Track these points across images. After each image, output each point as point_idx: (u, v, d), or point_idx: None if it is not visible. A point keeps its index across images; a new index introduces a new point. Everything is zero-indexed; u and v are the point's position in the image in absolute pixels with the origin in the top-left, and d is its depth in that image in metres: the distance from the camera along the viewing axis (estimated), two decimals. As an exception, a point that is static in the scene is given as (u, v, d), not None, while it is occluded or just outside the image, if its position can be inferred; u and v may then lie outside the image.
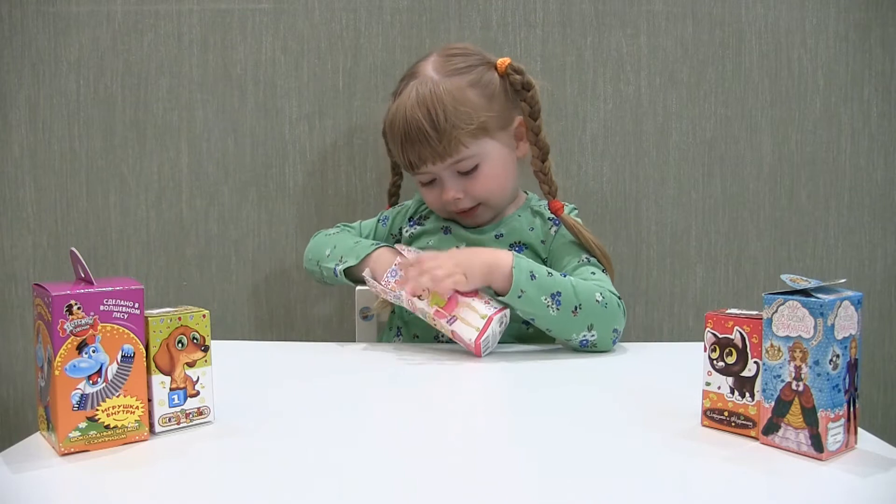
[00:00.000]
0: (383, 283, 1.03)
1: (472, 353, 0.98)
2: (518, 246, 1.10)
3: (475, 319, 0.98)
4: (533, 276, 0.98)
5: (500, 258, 0.99)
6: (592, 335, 1.00)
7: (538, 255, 1.11)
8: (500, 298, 0.99)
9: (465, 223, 1.14)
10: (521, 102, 1.10)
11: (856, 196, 1.35)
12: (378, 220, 1.22)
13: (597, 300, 0.99)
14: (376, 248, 1.08)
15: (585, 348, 1.01)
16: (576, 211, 1.17)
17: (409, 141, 1.06)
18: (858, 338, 0.63)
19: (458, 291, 0.99)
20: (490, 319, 0.97)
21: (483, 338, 0.96)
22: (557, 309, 0.98)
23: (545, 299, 0.98)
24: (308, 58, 1.32)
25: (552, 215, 1.13)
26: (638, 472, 0.61)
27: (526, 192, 1.20)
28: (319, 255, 1.13)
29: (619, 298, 1.02)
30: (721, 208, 1.34)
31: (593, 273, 1.06)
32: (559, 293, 0.98)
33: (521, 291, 0.97)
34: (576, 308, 0.98)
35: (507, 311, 1.00)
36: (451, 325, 0.98)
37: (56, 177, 1.33)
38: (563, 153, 1.33)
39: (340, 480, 0.60)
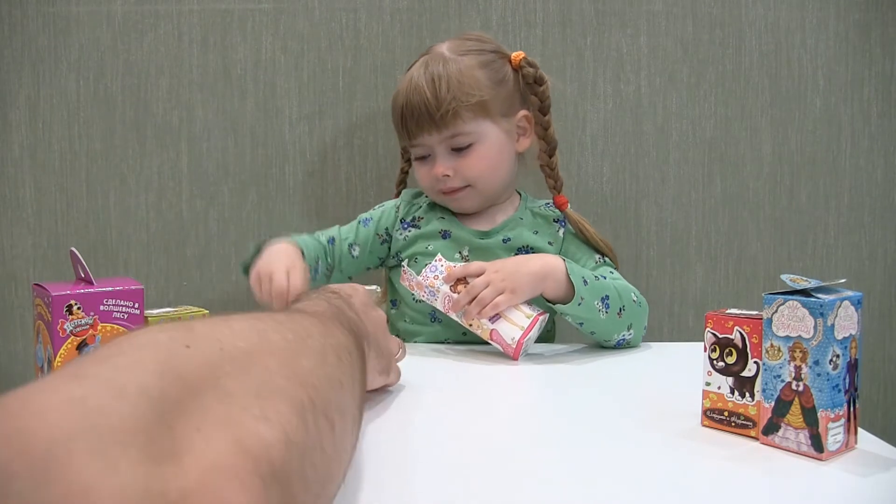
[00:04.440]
0: (421, 278, 1.00)
1: (508, 354, 0.96)
2: (524, 250, 1.10)
3: (520, 318, 0.96)
4: (585, 282, 0.98)
5: (552, 266, 0.98)
6: (630, 334, 1.02)
7: None
8: (557, 306, 0.98)
9: (452, 207, 1.13)
10: (531, 96, 1.11)
11: (856, 196, 1.35)
12: (358, 222, 1.17)
13: (633, 300, 1.02)
14: (274, 243, 1.05)
15: (619, 346, 1.03)
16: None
17: (409, 109, 1.07)
18: (858, 338, 0.63)
19: None
20: (536, 319, 0.96)
21: (527, 337, 0.95)
22: (606, 312, 0.99)
23: (597, 304, 0.98)
24: (308, 58, 1.32)
25: (556, 216, 1.13)
26: (638, 472, 0.61)
27: (520, 193, 1.19)
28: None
29: (642, 295, 1.05)
30: (721, 208, 1.34)
31: (611, 272, 1.08)
32: (607, 296, 0.99)
33: (581, 299, 0.97)
34: (620, 310, 1.00)
35: (547, 316, 1.00)
36: (493, 322, 0.96)
37: (56, 177, 1.33)
38: (564, 153, 1.32)
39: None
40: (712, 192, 1.34)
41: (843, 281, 0.65)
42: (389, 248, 1.16)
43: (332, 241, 1.14)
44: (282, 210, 1.34)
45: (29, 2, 1.30)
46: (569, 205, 1.13)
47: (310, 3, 1.31)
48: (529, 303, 0.99)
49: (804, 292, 0.62)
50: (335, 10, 1.31)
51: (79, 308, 0.64)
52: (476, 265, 0.99)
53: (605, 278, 1.03)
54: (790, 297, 0.62)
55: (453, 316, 0.99)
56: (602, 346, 1.04)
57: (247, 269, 1.07)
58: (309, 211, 1.34)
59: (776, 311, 0.63)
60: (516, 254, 1.09)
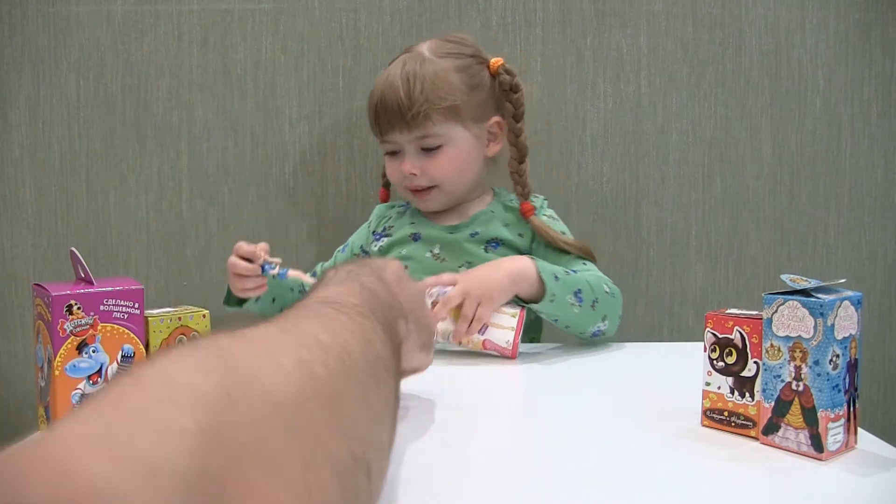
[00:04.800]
0: None
1: (505, 356, 0.96)
2: (494, 243, 1.10)
3: (506, 320, 0.96)
4: (557, 278, 0.98)
5: (522, 267, 0.98)
6: (605, 325, 1.02)
7: (517, 250, 1.10)
8: (531, 305, 0.98)
9: (419, 206, 1.15)
10: (506, 103, 1.12)
11: (856, 196, 1.35)
12: (336, 252, 1.21)
13: (606, 291, 1.02)
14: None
15: (595, 337, 1.03)
16: (546, 202, 1.17)
17: (382, 106, 1.08)
18: (858, 338, 0.63)
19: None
20: (521, 317, 0.97)
21: (519, 336, 0.96)
22: (580, 306, 0.99)
23: (570, 298, 0.98)
24: (308, 58, 1.32)
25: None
26: (638, 472, 0.61)
27: (494, 190, 1.20)
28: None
29: (615, 285, 1.05)
30: (721, 208, 1.34)
31: (584, 264, 1.08)
32: (580, 290, 0.99)
33: (553, 295, 0.97)
34: (594, 302, 1.00)
35: (526, 311, 1.00)
36: (483, 334, 0.96)
37: (56, 177, 1.33)
38: (563, 153, 1.33)
39: (340, 480, 0.60)
40: (712, 192, 1.34)
41: (843, 281, 0.65)
42: None
43: (314, 273, 1.16)
44: (282, 210, 1.34)
45: (29, 2, 1.30)
46: (536, 201, 1.14)
47: (310, 3, 1.31)
48: (508, 302, 0.99)
49: (804, 292, 0.62)
50: (335, 10, 1.31)
51: (79, 308, 0.64)
52: (447, 276, 0.98)
53: (576, 272, 1.02)
54: (790, 297, 0.62)
55: (441, 338, 0.97)
56: (578, 338, 1.03)
57: (229, 301, 1.08)
58: (309, 211, 1.34)
59: (776, 311, 0.63)
60: (485, 247, 1.10)
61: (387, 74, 1.10)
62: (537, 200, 1.15)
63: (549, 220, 1.14)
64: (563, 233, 1.13)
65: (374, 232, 1.18)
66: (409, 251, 1.11)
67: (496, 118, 1.13)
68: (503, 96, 1.12)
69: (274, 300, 1.09)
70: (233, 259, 1.00)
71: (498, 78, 1.12)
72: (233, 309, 1.08)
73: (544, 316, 1.00)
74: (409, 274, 1.01)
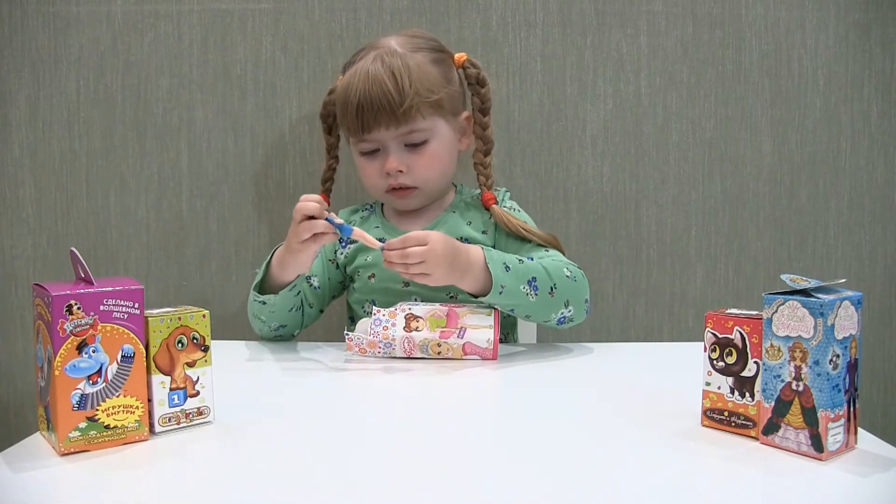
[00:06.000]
0: (371, 335, 0.97)
1: (487, 357, 0.96)
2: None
3: (483, 319, 0.97)
4: (507, 268, 0.97)
5: (472, 258, 0.96)
6: (569, 311, 1.00)
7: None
8: (480, 299, 0.98)
9: (396, 205, 1.13)
10: (473, 97, 1.12)
11: (856, 196, 1.35)
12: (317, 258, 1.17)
13: (566, 276, 1.00)
14: (273, 252, 1.06)
15: (562, 325, 1.01)
16: (508, 193, 1.17)
17: (368, 100, 1.04)
18: (858, 338, 0.63)
19: (448, 304, 0.99)
20: (497, 317, 0.97)
21: (498, 334, 0.96)
22: (536, 294, 0.97)
23: (524, 288, 0.97)
24: (308, 58, 1.32)
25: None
26: (638, 472, 0.61)
27: (455, 185, 1.20)
28: (251, 305, 1.10)
29: (579, 268, 1.03)
30: (721, 208, 1.34)
31: (547, 251, 1.07)
32: (534, 278, 0.97)
33: (502, 287, 0.96)
34: (551, 289, 0.98)
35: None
36: (462, 338, 0.96)
37: (56, 177, 1.33)
38: (563, 153, 1.33)
39: (340, 480, 0.60)
40: (712, 192, 1.34)
41: (843, 281, 0.65)
42: (339, 270, 1.17)
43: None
44: (282, 210, 1.34)
45: (29, 2, 1.30)
46: (497, 195, 1.14)
47: (310, 3, 1.31)
48: (475, 307, 0.98)
49: (804, 292, 0.62)
50: (335, 10, 1.31)
51: (79, 308, 0.64)
52: (416, 236, 0.95)
53: (531, 259, 1.01)
54: (790, 297, 0.62)
55: (418, 351, 0.97)
56: (549, 327, 1.02)
57: (259, 288, 1.08)
58: (309, 211, 1.33)
59: (776, 311, 0.63)
60: None
61: (364, 71, 1.05)
62: (499, 193, 1.15)
63: (511, 210, 1.13)
64: (526, 222, 1.12)
65: (340, 239, 1.16)
66: (375, 257, 1.09)
67: (466, 113, 1.14)
68: (471, 90, 1.13)
69: (299, 293, 1.09)
70: (301, 204, 0.97)
71: (465, 71, 1.12)
72: (263, 297, 1.05)
73: (498, 307, 0.98)
74: (375, 281, 1.00)
